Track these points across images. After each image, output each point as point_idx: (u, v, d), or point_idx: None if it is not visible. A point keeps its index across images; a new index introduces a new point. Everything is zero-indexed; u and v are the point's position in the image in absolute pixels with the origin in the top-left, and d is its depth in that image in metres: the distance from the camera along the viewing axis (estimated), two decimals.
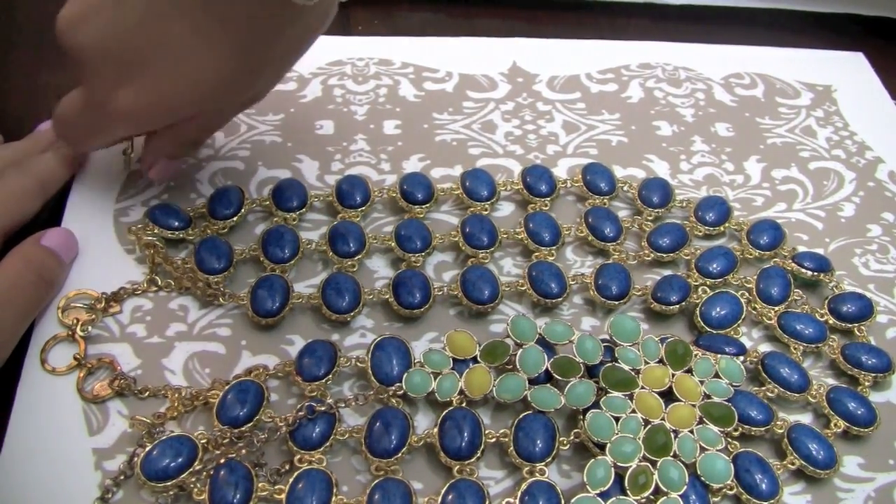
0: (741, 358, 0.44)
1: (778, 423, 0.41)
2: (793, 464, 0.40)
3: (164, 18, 0.39)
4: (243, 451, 0.39)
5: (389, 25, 0.66)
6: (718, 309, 0.46)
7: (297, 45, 0.44)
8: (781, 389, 0.43)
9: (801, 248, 0.50)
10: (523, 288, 0.46)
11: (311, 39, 0.44)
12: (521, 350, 0.42)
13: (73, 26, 0.41)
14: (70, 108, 0.45)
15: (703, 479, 0.39)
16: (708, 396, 0.41)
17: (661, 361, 0.43)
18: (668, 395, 0.41)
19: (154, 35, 0.40)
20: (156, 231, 0.47)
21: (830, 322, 0.47)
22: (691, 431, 0.40)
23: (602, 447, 0.39)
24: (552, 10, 0.68)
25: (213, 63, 0.40)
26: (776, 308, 0.47)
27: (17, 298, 0.42)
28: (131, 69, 0.41)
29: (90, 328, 0.44)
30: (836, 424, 0.42)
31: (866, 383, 0.44)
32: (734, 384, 0.42)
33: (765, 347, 0.46)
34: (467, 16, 0.67)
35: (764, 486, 0.39)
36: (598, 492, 0.38)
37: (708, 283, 0.47)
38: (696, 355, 0.43)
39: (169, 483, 0.37)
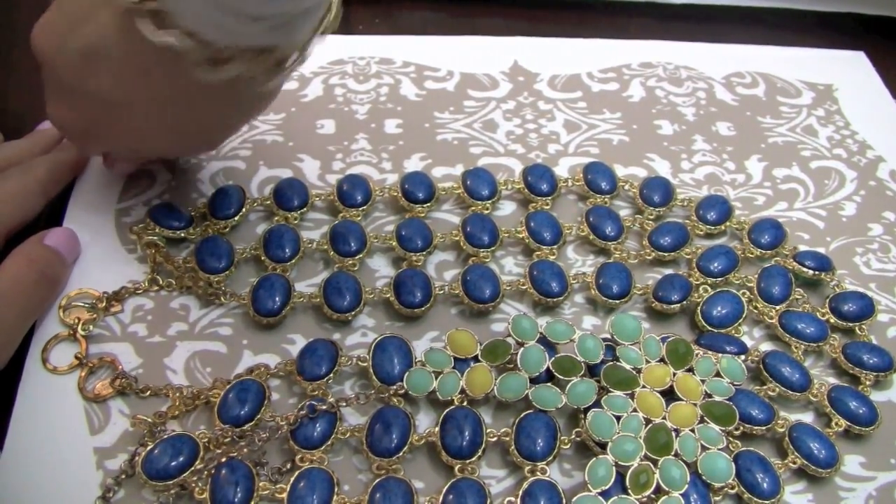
0: (742, 357, 0.43)
1: (779, 422, 0.41)
2: (794, 463, 0.40)
3: (90, 60, 0.39)
4: (244, 450, 0.39)
5: (390, 24, 0.66)
6: (719, 308, 0.46)
7: (232, 108, 0.43)
8: (783, 388, 0.43)
9: (803, 248, 0.50)
10: (524, 287, 0.46)
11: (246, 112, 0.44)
12: (522, 349, 0.42)
13: (39, 29, 0.41)
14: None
15: (704, 478, 0.39)
16: (709, 395, 0.41)
17: (662, 360, 0.43)
18: (669, 395, 0.41)
19: (79, 68, 0.39)
20: (157, 231, 0.47)
21: (831, 321, 0.46)
22: (692, 430, 0.40)
23: (603, 446, 0.39)
24: (553, 8, 0.68)
25: (130, 114, 0.41)
26: (777, 307, 0.46)
27: (19, 298, 0.42)
28: (61, 87, 0.41)
29: (91, 327, 0.44)
30: (837, 423, 0.42)
31: (867, 382, 0.44)
32: (735, 383, 0.42)
33: (766, 346, 0.46)
34: (468, 14, 0.67)
35: (765, 485, 0.39)
36: (599, 491, 0.38)
37: (709, 282, 0.47)
38: (697, 354, 0.43)
39: (170, 482, 0.37)
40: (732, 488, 0.39)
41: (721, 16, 0.68)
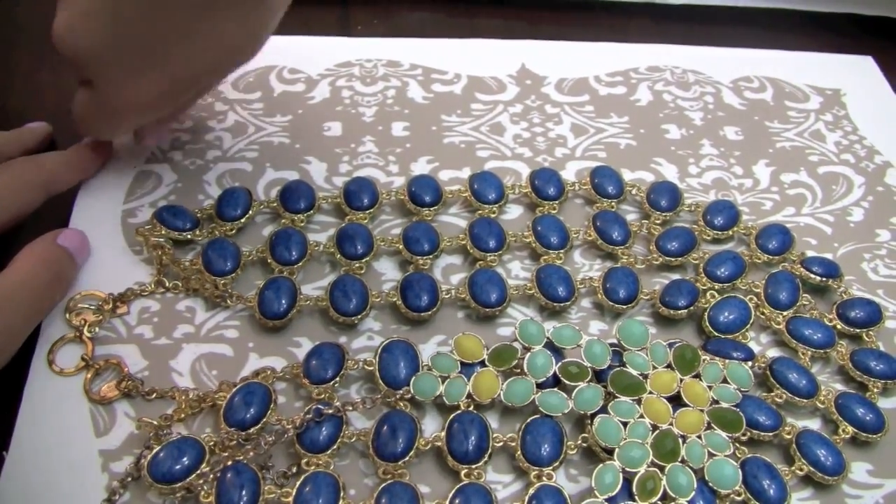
0: (749, 363, 0.43)
1: (786, 428, 0.41)
2: (801, 470, 0.40)
3: (165, 6, 0.39)
4: (250, 453, 0.39)
5: (389, 24, 0.66)
6: (727, 313, 0.46)
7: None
8: (790, 395, 0.43)
9: (810, 253, 0.50)
10: (531, 291, 0.46)
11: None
12: (528, 354, 0.42)
13: (73, 31, 0.40)
14: (82, 108, 0.45)
15: (711, 484, 0.39)
16: (716, 402, 0.41)
17: (669, 366, 0.42)
18: (676, 400, 0.41)
19: (159, 25, 0.39)
20: (163, 232, 0.47)
21: (839, 327, 0.46)
22: (699, 437, 0.40)
23: (610, 452, 0.39)
24: (552, 9, 0.68)
25: (220, 38, 0.40)
26: (784, 313, 0.46)
27: (30, 301, 0.41)
28: (140, 63, 0.41)
29: (97, 329, 0.44)
30: (844, 430, 0.42)
31: (875, 389, 0.44)
32: (742, 389, 0.42)
33: (773, 352, 0.46)
34: (467, 15, 0.67)
35: (772, 491, 0.39)
36: (606, 497, 0.38)
37: (716, 287, 0.47)
38: (704, 360, 0.43)
39: (176, 485, 0.37)
40: (739, 495, 0.39)
41: (720, 16, 0.68)
